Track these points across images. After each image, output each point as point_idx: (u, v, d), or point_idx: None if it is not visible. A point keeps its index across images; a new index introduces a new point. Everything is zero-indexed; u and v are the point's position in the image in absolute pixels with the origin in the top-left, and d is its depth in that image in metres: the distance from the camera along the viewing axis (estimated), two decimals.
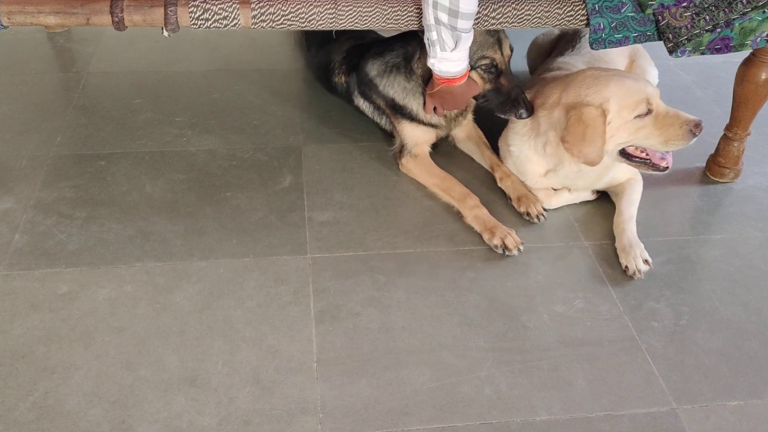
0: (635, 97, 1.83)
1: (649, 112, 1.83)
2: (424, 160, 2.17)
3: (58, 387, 1.52)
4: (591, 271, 1.87)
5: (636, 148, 1.90)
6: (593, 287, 1.82)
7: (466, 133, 2.30)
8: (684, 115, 1.83)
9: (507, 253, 1.89)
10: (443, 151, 2.29)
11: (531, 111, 1.99)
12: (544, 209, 2.04)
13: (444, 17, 1.75)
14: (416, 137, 2.19)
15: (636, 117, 1.83)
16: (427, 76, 2.07)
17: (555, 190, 2.08)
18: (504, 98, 2.02)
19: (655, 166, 1.91)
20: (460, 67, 1.90)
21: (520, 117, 2.00)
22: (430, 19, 1.77)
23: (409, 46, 2.16)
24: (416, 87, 2.15)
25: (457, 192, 2.06)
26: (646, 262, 1.84)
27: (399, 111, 2.20)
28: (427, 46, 1.86)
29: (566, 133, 1.85)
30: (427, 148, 2.21)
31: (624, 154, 1.91)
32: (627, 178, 2.06)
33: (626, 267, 1.85)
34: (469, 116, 2.28)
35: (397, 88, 2.19)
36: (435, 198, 2.09)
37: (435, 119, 2.18)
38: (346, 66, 2.38)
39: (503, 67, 2.03)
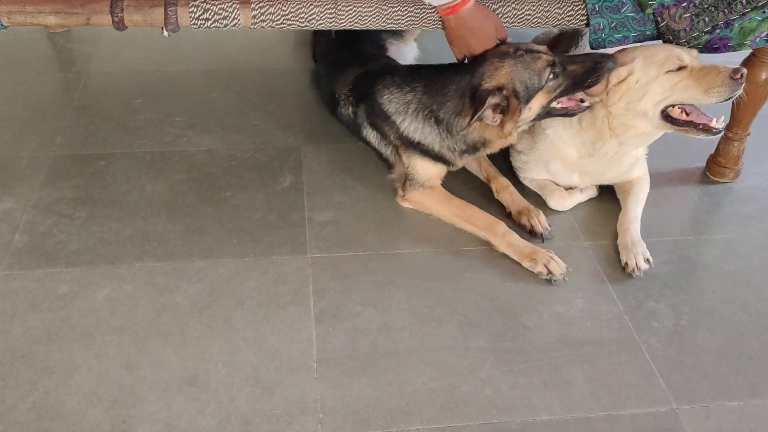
0: (662, 54, 1.82)
1: (682, 68, 1.81)
2: (438, 192, 2.00)
3: (58, 387, 1.52)
4: (591, 271, 1.87)
5: (681, 111, 1.85)
6: (593, 287, 1.82)
7: None
8: (723, 66, 1.79)
9: (553, 279, 1.80)
10: None
11: (614, 60, 1.82)
12: (556, 212, 2.00)
13: None
14: (429, 172, 2.01)
15: (668, 72, 1.81)
16: (473, 142, 1.91)
17: (567, 190, 2.07)
18: (584, 76, 1.81)
19: (704, 128, 1.84)
20: None
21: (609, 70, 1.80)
22: None
23: (444, 92, 1.91)
24: (449, 142, 1.95)
25: (481, 220, 1.92)
26: (647, 261, 1.84)
27: (414, 146, 2.00)
28: None
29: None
30: (440, 180, 2.04)
31: (668, 118, 1.85)
32: (638, 176, 2.06)
33: (626, 264, 1.85)
34: None
35: (424, 135, 1.97)
36: None
37: (450, 155, 1.97)
38: (354, 97, 2.17)
39: (558, 60, 1.82)
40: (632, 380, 1.59)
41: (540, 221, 1.94)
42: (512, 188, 2.04)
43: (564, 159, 2.02)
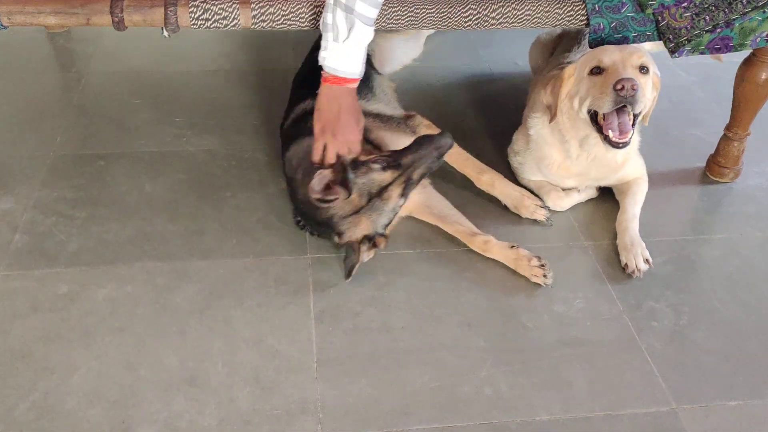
0: (591, 54, 1.84)
1: (601, 71, 1.79)
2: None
3: (58, 387, 1.51)
4: (591, 271, 1.87)
5: (601, 117, 1.81)
6: (593, 287, 1.82)
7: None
8: (622, 73, 1.73)
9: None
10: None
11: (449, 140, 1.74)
12: (551, 210, 2.00)
13: None
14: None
15: (589, 74, 1.81)
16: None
17: (564, 190, 2.07)
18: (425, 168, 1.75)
19: (606, 138, 1.81)
20: (355, 68, 1.66)
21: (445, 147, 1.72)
22: None
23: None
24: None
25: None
26: (646, 261, 1.84)
27: None
28: (322, 32, 1.65)
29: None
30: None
31: (594, 120, 1.83)
32: (635, 177, 2.05)
33: (626, 264, 1.85)
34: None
35: None
36: None
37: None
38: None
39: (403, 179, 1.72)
40: (632, 380, 1.59)
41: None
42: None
43: (550, 159, 2.02)
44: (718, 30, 1.78)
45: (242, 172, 2.15)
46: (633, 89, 1.71)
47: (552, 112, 1.91)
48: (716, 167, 2.20)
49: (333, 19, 1.61)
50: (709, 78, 2.75)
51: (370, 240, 1.76)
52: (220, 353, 1.60)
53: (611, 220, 2.01)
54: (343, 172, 1.70)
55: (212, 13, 1.81)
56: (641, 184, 2.06)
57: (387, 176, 1.70)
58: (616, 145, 1.81)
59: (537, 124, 2.02)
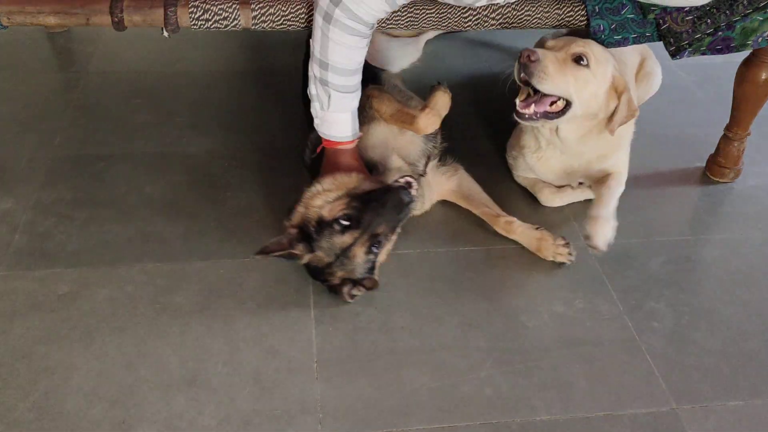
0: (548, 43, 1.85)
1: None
2: None
3: (58, 387, 1.51)
4: (591, 271, 1.87)
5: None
6: (593, 287, 1.82)
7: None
8: (536, 49, 1.77)
9: None
10: None
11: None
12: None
13: (316, 70, 1.67)
14: None
15: None
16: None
17: (558, 188, 2.07)
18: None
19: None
20: (344, 132, 1.75)
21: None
22: (310, 71, 1.70)
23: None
24: None
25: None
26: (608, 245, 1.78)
27: None
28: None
29: None
30: None
31: None
32: (616, 171, 2.00)
33: (588, 236, 1.78)
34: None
35: None
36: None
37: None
38: None
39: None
40: (632, 380, 1.59)
41: (562, 252, 1.85)
42: (516, 224, 1.93)
43: (528, 149, 2.01)
44: (720, 32, 1.78)
45: (242, 172, 2.15)
46: (530, 59, 1.72)
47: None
48: (716, 167, 2.20)
49: (315, 90, 1.72)
50: (709, 78, 2.75)
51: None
52: (220, 353, 1.60)
53: None
54: (306, 229, 1.69)
55: (212, 14, 1.81)
56: (619, 178, 1.98)
57: (347, 238, 1.66)
58: (519, 115, 1.81)
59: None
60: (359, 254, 1.67)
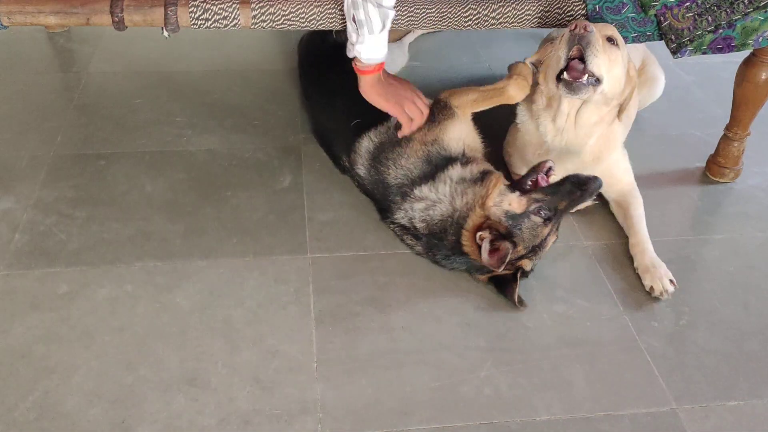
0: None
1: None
2: None
3: (58, 387, 1.51)
4: (591, 271, 1.87)
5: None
6: (593, 287, 1.82)
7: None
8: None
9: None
10: None
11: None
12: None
13: None
14: None
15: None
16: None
17: None
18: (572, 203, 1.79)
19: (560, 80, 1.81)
20: (384, 50, 1.78)
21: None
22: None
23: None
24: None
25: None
26: (671, 282, 1.79)
27: None
28: (350, 32, 1.73)
29: None
30: None
31: (559, 79, 1.82)
32: (629, 189, 2.01)
33: (651, 288, 1.79)
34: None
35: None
36: None
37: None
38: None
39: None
40: (632, 380, 1.59)
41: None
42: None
43: (530, 147, 2.01)
44: (720, 30, 1.79)
45: (242, 172, 2.16)
46: (586, 29, 1.72)
47: (538, 73, 1.92)
48: (716, 167, 2.20)
49: (365, 14, 1.67)
50: (709, 78, 2.75)
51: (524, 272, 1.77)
52: (220, 353, 1.60)
53: (611, 221, 2.01)
54: (498, 228, 1.72)
55: (212, 13, 1.81)
56: (637, 197, 2.00)
57: (548, 230, 1.75)
58: (569, 86, 1.78)
59: (521, 111, 2.02)
60: (550, 242, 1.78)
